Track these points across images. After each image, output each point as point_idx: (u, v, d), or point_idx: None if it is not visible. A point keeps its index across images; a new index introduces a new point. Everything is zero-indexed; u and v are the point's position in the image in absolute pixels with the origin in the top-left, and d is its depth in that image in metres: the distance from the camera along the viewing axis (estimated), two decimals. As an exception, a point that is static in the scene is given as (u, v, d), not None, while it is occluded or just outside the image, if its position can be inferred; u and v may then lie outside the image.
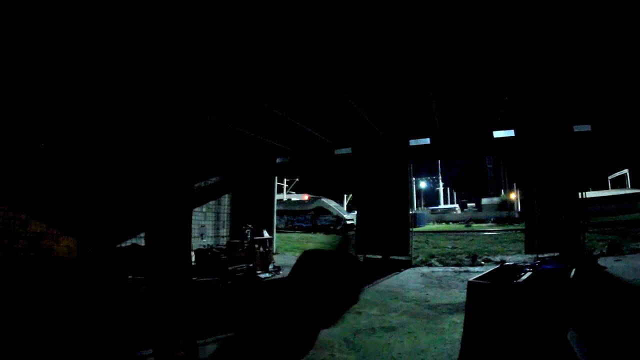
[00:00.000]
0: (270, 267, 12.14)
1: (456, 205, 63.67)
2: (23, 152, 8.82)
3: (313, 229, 33.72)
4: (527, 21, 6.25)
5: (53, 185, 9.26)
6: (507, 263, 6.15)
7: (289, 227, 34.98)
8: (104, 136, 10.17)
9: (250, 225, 13.17)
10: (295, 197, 40.49)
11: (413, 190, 64.80)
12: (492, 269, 5.90)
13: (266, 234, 13.09)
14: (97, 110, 9.47)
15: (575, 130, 11.72)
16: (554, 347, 4.36)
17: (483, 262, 13.28)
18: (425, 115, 11.41)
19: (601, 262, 11.07)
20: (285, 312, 7.38)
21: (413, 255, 13.79)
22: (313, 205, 35.83)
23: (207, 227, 14.02)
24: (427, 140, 13.17)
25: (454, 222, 48.95)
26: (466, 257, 14.53)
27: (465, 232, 30.65)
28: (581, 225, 11.72)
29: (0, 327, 5.82)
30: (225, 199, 15.09)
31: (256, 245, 11.91)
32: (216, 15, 5.85)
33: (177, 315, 5.16)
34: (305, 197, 38.84)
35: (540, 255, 11.55)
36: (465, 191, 79.26)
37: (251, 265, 11.21)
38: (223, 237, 14.75)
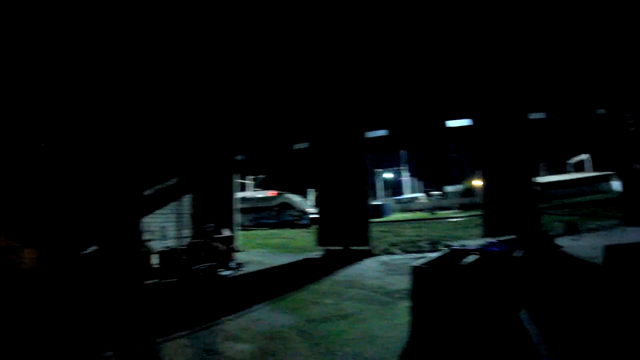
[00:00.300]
0: (233, 264, 12.20)
1: (421, 194, 64.45)
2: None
3: (279, 224, 33.75)
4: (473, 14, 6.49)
5: (10, 200, 9.19)
6: (454, 247, 6.34)
7: (255, 224, 34.90)
8: (58, 149, 10.08)
9: (211, 224, 13.18)
10: (260, 194, 40.36)
11: (381, 181, 65.54)
12: (442, 253, 6.11)
13: (227, 232, 13.14)
14: (50, 122, 9.40)
15: (531, 117, 12.15)
16: (505, 327, 4.54)
17: (443, 248, 13.54)
18: (381, 108, 11.65)
19: (559, 241, 11.67)
20: (241, 308, 7.48)
21: (375, 245, 14.05)
22: (278, 201, 35.86)
23: (168, 228, 13.96)
24: (383, 132, 13.39)
25: (419, 210, 49.68)
26: (427, 244, 14.86)
27: (430, 220, 31.11)
28: (538, 208, 12.25)
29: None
30: (186, 200, 15.02)
31: (217, 244, 11.94)
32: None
33: (134, 316, 5.23)
34: (270, 193, 38.78)
35: (499, 239, 11.87)
36: (430, 180, 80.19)
37: (213, 264, 11.25)
38: (185, 237, 14.69)
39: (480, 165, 13.07)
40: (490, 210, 12.37)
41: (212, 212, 15.27)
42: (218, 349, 5.37)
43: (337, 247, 13.54)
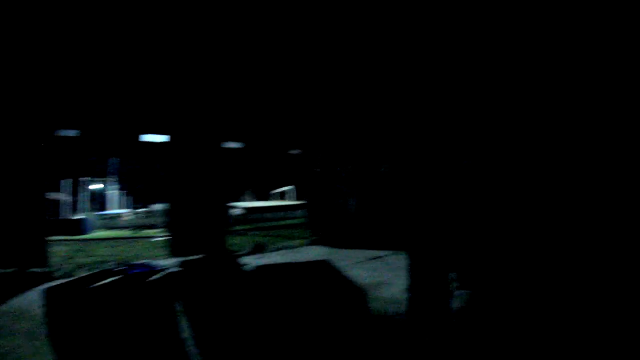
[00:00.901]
0: None
1: (128, 210, 62.45)
2: None
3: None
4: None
5: None
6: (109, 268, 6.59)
7: None
8: None
9: None
10: None
11: (87, 193, 61.64)
12: (85, 275, 6.24)
13: None
14: None
15: (224, 146, 13.13)
16: (151, 343, 4.87)
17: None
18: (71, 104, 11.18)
19: (244, 260, 12.62)
20: None
21: (60, 266, 13.29)
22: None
23: None
24: (74, 132, 12.53)
25: (124, 228, 48.00)
26: (115, 265, 14.65)
27: (132, 239, 30.76)
28: (225, 230, 13.78)
29: None
30: None
31: None
32: None
33: None
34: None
35: (185, 259, 12.57)
36: (139, 195, 78.16)
37: None
38: None
39: (168, 185, 13.85)
40: (176, 231, 12.84)
41: None
42: None
43: (10, 270, 12.28)
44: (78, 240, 28.87)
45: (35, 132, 12.30)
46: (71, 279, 5.67)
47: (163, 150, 13.34)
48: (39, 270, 12.44)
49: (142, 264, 6.73)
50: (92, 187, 67.64)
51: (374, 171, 13.30)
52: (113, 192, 69.31)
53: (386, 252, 12.97)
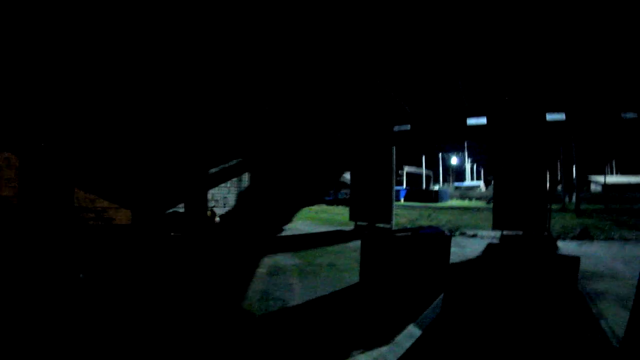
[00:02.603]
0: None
1: (480, 183, 64.80)
2: (92, 155, 12.42)
3: (335, 201, 36.77)
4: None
5: (111, 175, 12.88)
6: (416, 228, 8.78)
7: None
8: (149, 139, 13.53)
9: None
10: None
11: (443, 167, 66.76)
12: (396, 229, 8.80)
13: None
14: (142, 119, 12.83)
15: (548, 119, 13.15)
16: (419, 292, 6.78)
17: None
18: (406, 106, 13.80)
19: (567, 244, 12.85)
20: (269, 254, 10.71)
21: (401, 224, 16.70)
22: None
23: (229, 199, 17.31)
24: (408, 127, 15.94)
25: (477, 198, 49.79)
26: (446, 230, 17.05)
27: (477, 209, 31.05)
28: (546, 209, 13.10)
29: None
30: (246, 176, 18.21)
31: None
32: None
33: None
34: (330, 173, 41.96)
35: (503, 232, 13.80)
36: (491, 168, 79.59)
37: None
38: (244, 206, 18.02)
39: (493, 161, 14.38)
40: (499, 206, 13.60)
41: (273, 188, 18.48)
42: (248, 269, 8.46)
43: (364, 223, 16.39)
44: (431, 207, 32.77)
45: (382, 129, 15.97)
46: (383, 232, 8.37)
47: (485, 132, 14.17)
48: (382, 225, 16.10)
49: (431, 228, 8.63)
50: (452, 162, 72.70)
51: None
52: (468, 165, 73.08)
53: None
